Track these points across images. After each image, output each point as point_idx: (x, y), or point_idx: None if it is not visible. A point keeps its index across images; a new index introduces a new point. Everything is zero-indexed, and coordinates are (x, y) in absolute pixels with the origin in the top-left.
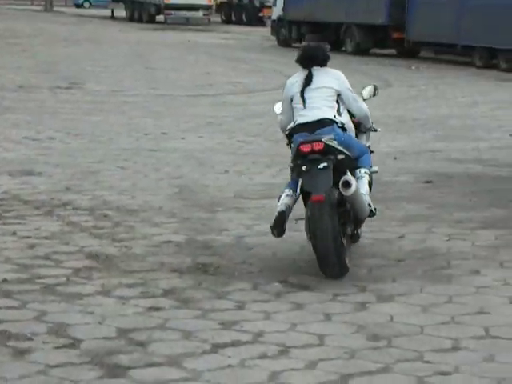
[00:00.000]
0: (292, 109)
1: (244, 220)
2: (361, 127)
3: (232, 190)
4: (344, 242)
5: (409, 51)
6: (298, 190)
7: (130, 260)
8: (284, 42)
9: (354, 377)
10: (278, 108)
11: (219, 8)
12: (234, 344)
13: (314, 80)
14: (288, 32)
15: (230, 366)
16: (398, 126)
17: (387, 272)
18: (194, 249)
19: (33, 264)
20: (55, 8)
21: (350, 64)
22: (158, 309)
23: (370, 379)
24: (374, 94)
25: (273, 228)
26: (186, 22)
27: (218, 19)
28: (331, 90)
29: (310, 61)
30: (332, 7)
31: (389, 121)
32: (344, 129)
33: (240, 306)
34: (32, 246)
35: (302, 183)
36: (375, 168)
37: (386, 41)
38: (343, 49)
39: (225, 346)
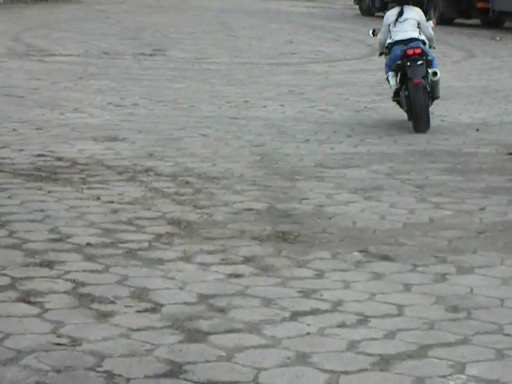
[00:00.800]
0: (389, 31)
1: (324, 189)
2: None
3: (313, 159)
4: (429, 110)
5: (493, 21)
6: (398, 79)
7: (211, 227)
8: (367, 12)
9: (433, 347)
10: (370, 33)
11: None
12: (313, 312)
13: (404, 14)
14: (371, 1)
15: (309, 333)
16: (480, 97)
17: (468, 244)
18: (275, 217)
19: (116, 229)
20: None
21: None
22: (238, 276)
23: (448, 350)
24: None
25: (393, 98)
26: None
27: None
28: (415, 21)
29: (402, 2)
30: None
31: (472, 92)
32: (424, 43)
33: (319, 275)
34: (115, 211)
35: (405, 73)
36: (438, 69)
37: (470, 11)
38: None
39: (304, 314)
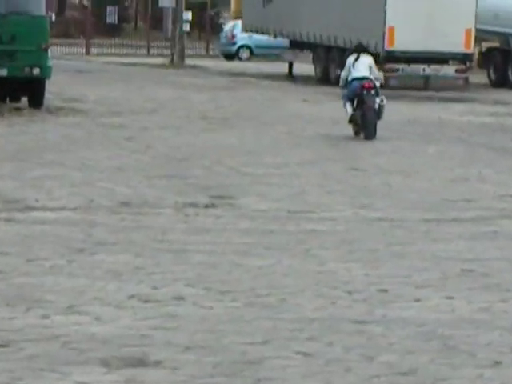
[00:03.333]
0: (349, 70)
1: None
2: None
3: None
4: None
5: None
6: (354, 106)
7: None
8: None
9: None
10: (342, 74)
11: (485, 59)
12: None
13: (360, 58)
14: None
15: None
16: None
17: None
18: None
19: None
20: (188, 60)
21: None
22: None
23: None
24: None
25: (350, 121)
26: (423, 85)
27: (483, 79)
28: (367, 64)
29: (359, 51)
30: None
31: None
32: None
33: None
34: None
35: (361, 100)
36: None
37: None
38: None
39: None
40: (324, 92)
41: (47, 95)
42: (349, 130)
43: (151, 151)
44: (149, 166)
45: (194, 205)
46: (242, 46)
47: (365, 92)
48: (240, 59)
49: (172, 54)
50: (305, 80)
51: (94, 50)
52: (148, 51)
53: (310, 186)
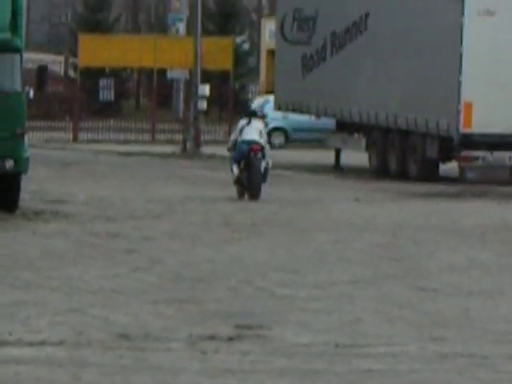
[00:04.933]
0: (240, 133)
1: None
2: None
3: None
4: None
5: None
6: (242, 165)
7: None
8: None
9: None
10: (232, 137)
11: None
12: None
13: (251, 123)
14: None
15: None
16: None
17: None
18: None
19: None
20: (205, 148)
21: None
22: None
23: None
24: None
25: (235, 183)
26: (510, 178)
27: None
28: (258, 129)
29: (251, 115)
30: None
31: None
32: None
33: None
34: None
35: (248, 162)
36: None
37: None
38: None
39: None
40: (382, 189)
41: (23, 195)
42: (416, 239)
43: (157, 268)
44: (154, 287)
45: (213, 338)
46: (274, 129)
47: (252, 154)
48: (272, 146)
49: (184, 141)
50: (357, 173)
51: (83, 136)
52: (153, 137)
53: (364, 312)
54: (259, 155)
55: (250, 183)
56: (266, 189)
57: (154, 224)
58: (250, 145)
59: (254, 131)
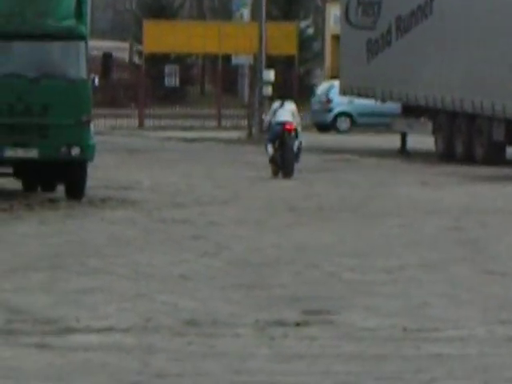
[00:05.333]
0: (274, 115)
1: None
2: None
3: None
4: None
5: None
6: (276, 145)
7: None
8: None
9: None
10: (266, 119)
11: None
12: None
13: (284, 105)
14: None
15: None
16: None
17: None
18: None
19: None
20: None
21: None
22: None
23: None
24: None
25: (270, 161)
26: None
27: None
28: (291, 111)
29: (283, 98)
30: None
31: None
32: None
33: None
34: None
35: (282, 141)
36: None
37: None
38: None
39: None
40: (448, 172)
41: (90, 183)
42: (484, 222)
43: (224, 254)
44: (221, 272)
45: (281, 323)
46: (340, 114)
47: (285, 134)
48: (338, 131)
49: (250, 126)
50: (423, 157)
51: (149, 123)
52: (219, 122)
53: (432, 295)
54: (292, 134)
55: (283, 162)
56: (332, 173)
57: (221, 210)
58: (283, 125)
59: (286, 113)
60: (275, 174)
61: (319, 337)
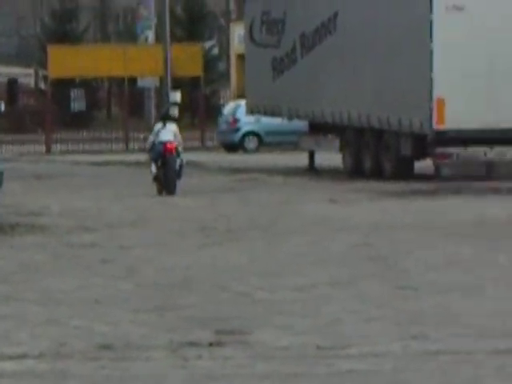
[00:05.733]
0: (157, 135)
1: None
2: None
3: None
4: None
5: None
6: (159, 164)
7: None
8: None
9: None
10: (150, 139)
11: None
12: None
13: (166, 126)
14: None
15: None
16: None
17: None
18: None
19: None
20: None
21: None
22: None
23: None
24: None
25: (154, 180)
26: (486, 173)
27: None
28: (172, 131)
29: (165, 120)
30: None
31: None
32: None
33: None
34: None
35: (164, 161)
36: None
37: None
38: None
39: None
40: (357, 189)
41: None
42: (392, 237)
43: (134, 277)
44: (132, 295)
45: (194, 344)
46: (247, 134)
47: (167, 154)
48: (245, 150)
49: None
50: (331, 174)
51: (56, 147)
52: (126, 145)
53: (344, 312)
54: (174, 154)
55: (166, 180)
56: (240, 193)
57: (130, 233)
58: (165, 144)
59: (168, 133)
60: (160, 192)
61: (233, 356)
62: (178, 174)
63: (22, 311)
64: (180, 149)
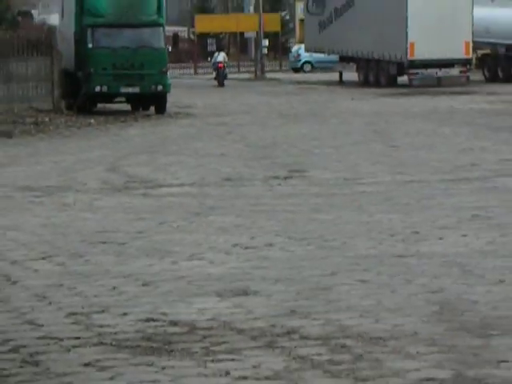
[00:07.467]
0: (215, 58)
1: None
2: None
3: (511, 306)
4: None
5: None
6: (216, 73)
7: None
8: None
9: None
10: (213, 60)
11: (481, 62)
12: None
13: (220, 53)
14: None
15: None
16: None
17: None
18: None
19: None
20: (268, 74)
21: None
22: None
23: None
24: None
25: (215, 79)
26: (437, 83)
27: (479, 77)
28: (223, 56)
29: (219, 50)
30: None
31: None
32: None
33: None
34: None
35: (218, 73)
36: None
37: None
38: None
39: None
40: (365, 92)
41: (168, 104)
42: (387, 119)
43: (245, 141)
44: (244, 152)
45: (276, 177)
46: (305, 62)
47: (219, 68)
48: (304, 72)
49: (255, 70)
50: (351, 84)
51: (200, 71)
52: (238, 69)
53: (359, 160)
54: (222, 68)
55: (219, 80)
56: (301, 95)
57: (243, 117)
58: (218, 64)
59: (220, 57)
60: (220, 85)
61: (298, 184)
62: (225, 77)
63: (182, 160)
64: (225, 65)
